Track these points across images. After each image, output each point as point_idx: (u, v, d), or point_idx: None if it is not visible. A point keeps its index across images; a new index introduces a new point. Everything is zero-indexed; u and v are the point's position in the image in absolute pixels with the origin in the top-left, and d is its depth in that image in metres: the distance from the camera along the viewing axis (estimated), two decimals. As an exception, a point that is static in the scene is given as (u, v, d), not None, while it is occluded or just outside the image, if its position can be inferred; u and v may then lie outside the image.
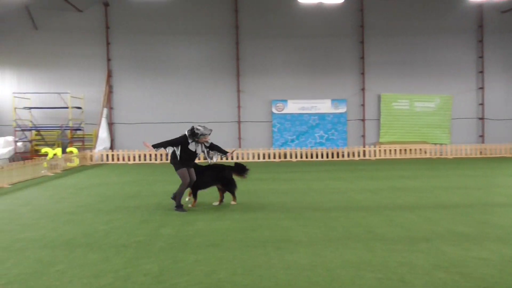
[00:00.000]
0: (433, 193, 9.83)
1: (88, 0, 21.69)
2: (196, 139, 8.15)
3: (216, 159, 8.64)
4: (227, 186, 8.61)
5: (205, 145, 8.42)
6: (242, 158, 20.31)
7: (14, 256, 5.24)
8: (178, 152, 8.09)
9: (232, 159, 20.18)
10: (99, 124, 21.26)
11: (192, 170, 8.26)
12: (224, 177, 8.59)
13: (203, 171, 8.51)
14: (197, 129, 8.10)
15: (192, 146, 8.16)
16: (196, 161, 8.50)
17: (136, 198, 9.58)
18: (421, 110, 22.89)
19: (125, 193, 10.40)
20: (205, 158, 8.61)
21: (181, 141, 8.16)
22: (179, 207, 8.05)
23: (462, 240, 5.74)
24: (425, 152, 21.19)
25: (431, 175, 13.36)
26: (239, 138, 22.45)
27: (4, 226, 6.90)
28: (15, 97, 20.45)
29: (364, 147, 21.82)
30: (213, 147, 8.55)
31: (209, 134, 8.26)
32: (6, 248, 5.61)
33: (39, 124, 21.44)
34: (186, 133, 8.20)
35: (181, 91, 22.43)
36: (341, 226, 6.58)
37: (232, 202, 8.65)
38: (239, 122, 22.50)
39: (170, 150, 8.18)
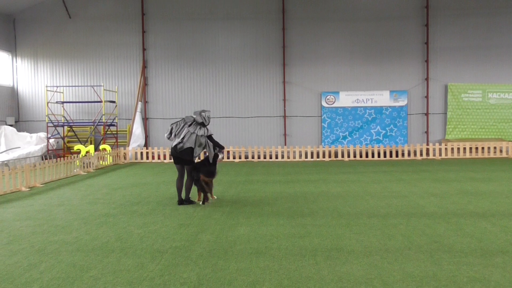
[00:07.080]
0: (511, 198, 9.44)
1: (123, -14, 22.40)
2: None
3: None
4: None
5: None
6: (288, 157, 20.28)
7: (48, 260, 5.51)
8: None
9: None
10: (133, 119, 21.82)
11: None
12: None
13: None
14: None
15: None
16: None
17: (173, 200, 9.79)
18: (497, 102, 21.98)
19: (161, 195, 10.66)
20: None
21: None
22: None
23: (546, 254, 5.47)
24: (501, 151, 20.33)
25: (508, 178, 12.82)
26: (285, 135, 22.43)
27: (38, 228, 7.27)
28: (48, 90, 21.44)
29: (427, 144, 21.21)
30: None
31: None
32: (39, 251, 5.91)
33: (72, 119, 22.35)
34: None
35: (221, 82, 22.68)
36: (401, 235, 6.44)
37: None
38: (284, 116, 22.47)
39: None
